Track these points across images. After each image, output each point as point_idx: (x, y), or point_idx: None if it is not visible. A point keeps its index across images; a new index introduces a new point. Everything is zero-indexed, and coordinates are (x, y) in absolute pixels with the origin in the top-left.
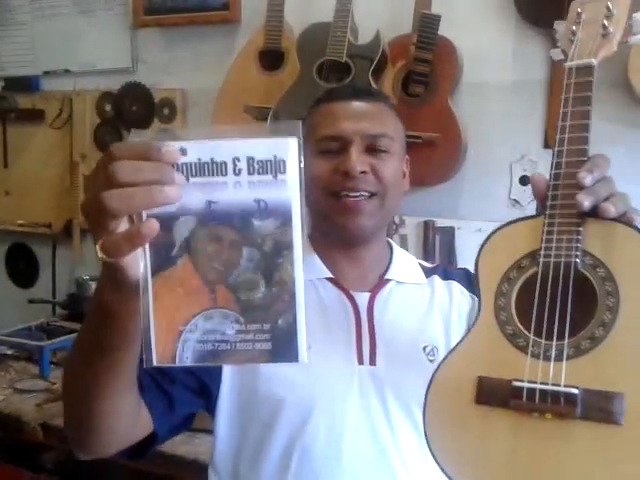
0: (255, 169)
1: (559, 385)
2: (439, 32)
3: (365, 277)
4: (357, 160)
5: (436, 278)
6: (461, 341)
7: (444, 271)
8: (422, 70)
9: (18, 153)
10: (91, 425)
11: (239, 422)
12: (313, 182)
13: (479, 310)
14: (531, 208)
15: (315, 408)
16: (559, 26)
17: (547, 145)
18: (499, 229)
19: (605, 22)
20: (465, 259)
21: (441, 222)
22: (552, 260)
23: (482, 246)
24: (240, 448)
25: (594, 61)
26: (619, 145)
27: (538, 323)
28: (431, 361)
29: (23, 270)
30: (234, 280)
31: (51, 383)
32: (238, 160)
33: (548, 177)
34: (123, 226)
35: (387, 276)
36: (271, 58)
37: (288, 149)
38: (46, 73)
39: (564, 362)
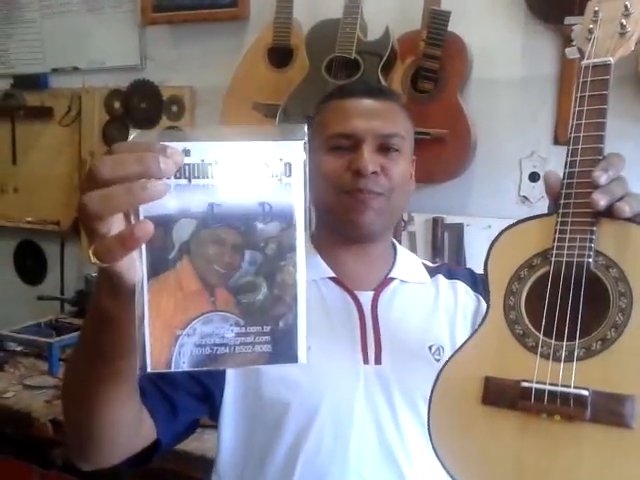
0: (260, 172)
1: (569, 386)
2: (449, 28)
3: (369, 276)
4: (369, 160)
5: (440, 277)
6: (468, 340)
7: (448, 271)
8: (431, 66)
9: (27, 150)
10: (92, 435)
11: (244, 426)
12: (323, 178)
13: (488, 308)
14: (541, 205)
15: (321, 409)
16: (574, 24)
17: (557, 141)
18: (510, 227)
19: (623, 21)
20: (474, 256)
21: (450, 219)
22: (564, 260)
23: (492, 244)
24: (246, 452)
25: (612, 60)
26: (628, 140)
27: (548, 323)
28: (437, 360)
29: (31, 267)
30: (235, 283)
31: (60, 380)
32: (243, 162)
33: (561, 175)
34: (117, 228)
35: (391, 275)
36: (280, 55)
37: (295, 152)
38: (55, 70)
39: (574, 363)
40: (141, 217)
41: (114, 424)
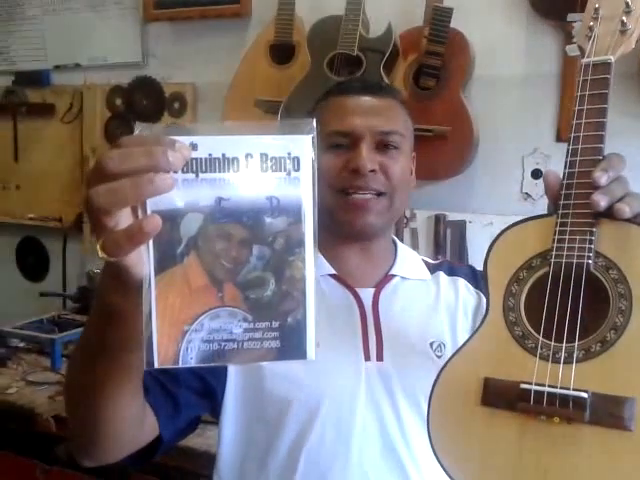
0: (268, 166)
1: (568, 388)
2: (451, 25)
3: (370, 273)
4: (367, 158)
5: (441, 274)
6: (468, 341)
7: (449, 267)
8: (434, 63)
9: (28, 147)
10: (96, 431)
11: (245, 422)
12: (320, 177)
13: (487, 309)
14: (543, 202)
15: (323, 406)
16: (575, 21)
17: (559, 139)
18: (510, 228)
19: (624, 18)
20: (476, 253)
21: (452, 216)
22: (564, 261)
23: (492, 245)
24: (247, 448)
25: (612, 58)
26: (631, 139)
27: (548, 325)
28: (439, 357)
29: (34, 264)
30: (243, 278)
31: (63, 376)
32: (251, 156)
33: (561, 175)
34: (124, 222)
35: (392, 272)
36: (282, 52)
37: (303, 146)
38: (57, 67)
39: (574, 365)
40: (148, 211)
41: (118, 420)
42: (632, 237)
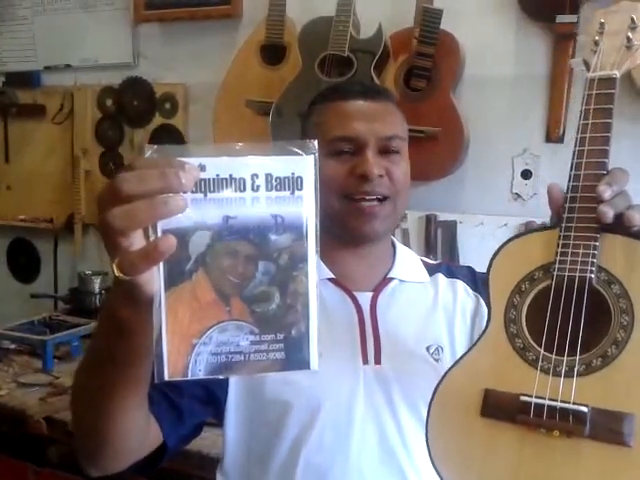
0: (273, 185)
1: (568, 402)
2: (441, 26)
3: (368, 276)
4: (374, 163)
5: (440, 277)
6: (468, 351)
7: (448, 269)
8: (424, 64)
9: (19, 148)
10: (103, 442)
11: (247, 426)
12: (326, 184)
13: (488, 320)
14: (533, 202)
15: (322, 409)
16: (566, 22)
17: (549, 139)
18: (513, 239)
19: (629, 34)
20: (467, 253)
21: (443, 216)
22: (566, 274)
23: (494, 256)
24: (249, 451)
25: (617, 73)
26: (622, 140)
27: (549, 338)
28: (436, 360)
29: (25, 265)
30: (249, 293)
31: (54, 377)
32: (257, 177)
33: (564, 187)
34: (137, 241)
35: (390, 275)
36: (273, 52)
37: (305, 166)
38: (47, 68)
39: (574, 379)
40: (159, 230)
41: (125, 431)
42: (635, 252)
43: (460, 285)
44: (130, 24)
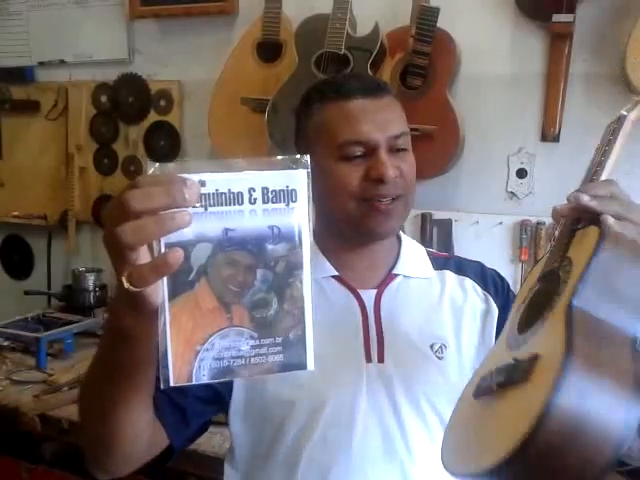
0: (269, 198)
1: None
2: (437, 24)
3: (373, 273)
4: (390, 166)
5: (448, 273)
6: (484, 361)
7: (458, 264)
8: (420, 62)
9: (13, 144)
10: (111, 448)
11: (251, 423)
12: (339, 188)
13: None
14: (527, 201)
15: (325, 407)
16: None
17: (544, 138)
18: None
19: None
20: (463, 251)
21: (438, 214)
22: (545, 270)
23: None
24: (253, 446)
25: None
26: None
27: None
28: (440, 358)
29: (18, 262)
30: (249, 300)
31: (48, 374)
32: (253, 190)
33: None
34: (144, 255)
35: (395, 271)
36: (269, 50)
37: (299, 180)
38: (41, 64)
39: (523, 344)
40: (162, 244)
41: (133, 436)
42: (588, 233)
43: (469, 284)
44: (125, 20)
